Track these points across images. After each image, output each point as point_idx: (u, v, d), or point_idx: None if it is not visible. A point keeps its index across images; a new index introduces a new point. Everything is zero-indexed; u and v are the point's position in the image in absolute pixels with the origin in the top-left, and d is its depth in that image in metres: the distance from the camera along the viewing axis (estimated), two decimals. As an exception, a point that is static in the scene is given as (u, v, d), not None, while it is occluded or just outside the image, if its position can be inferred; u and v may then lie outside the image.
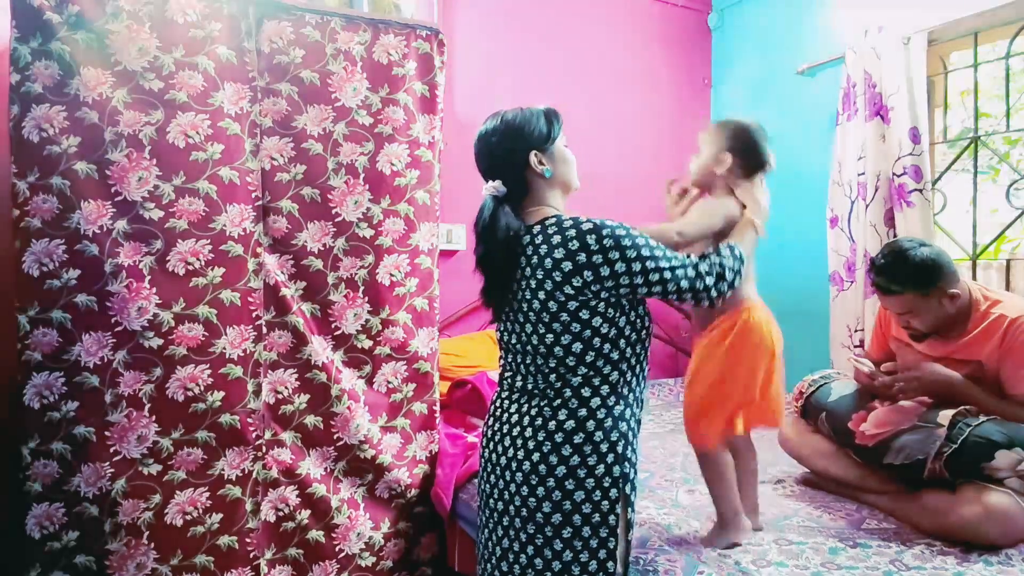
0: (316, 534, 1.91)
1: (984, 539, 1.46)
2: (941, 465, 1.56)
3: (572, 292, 1.24)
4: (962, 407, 1.63)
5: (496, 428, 1.35)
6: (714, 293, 1.31)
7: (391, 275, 2.00)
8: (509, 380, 1.38)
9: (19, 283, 1.62)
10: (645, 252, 1.25)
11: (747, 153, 1.52)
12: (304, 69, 1.88)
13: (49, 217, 1.63)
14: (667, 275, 1.26)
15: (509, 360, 1.39)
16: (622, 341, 1.29)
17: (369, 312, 1.98)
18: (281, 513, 1.89)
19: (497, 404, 1.39)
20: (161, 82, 1.71)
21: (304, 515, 1.90)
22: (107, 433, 1.69)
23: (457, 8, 2.84)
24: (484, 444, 1.39)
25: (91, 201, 1.66)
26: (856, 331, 2.56)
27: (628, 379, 1.31)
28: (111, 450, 1.69)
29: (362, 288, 1.97)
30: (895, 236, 2.42)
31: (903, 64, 2.41)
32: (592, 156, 3.17)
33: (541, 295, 1.26)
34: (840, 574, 1.38)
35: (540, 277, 1.26)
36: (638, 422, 1.35)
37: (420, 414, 2.08)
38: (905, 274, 1.67)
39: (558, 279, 1.24)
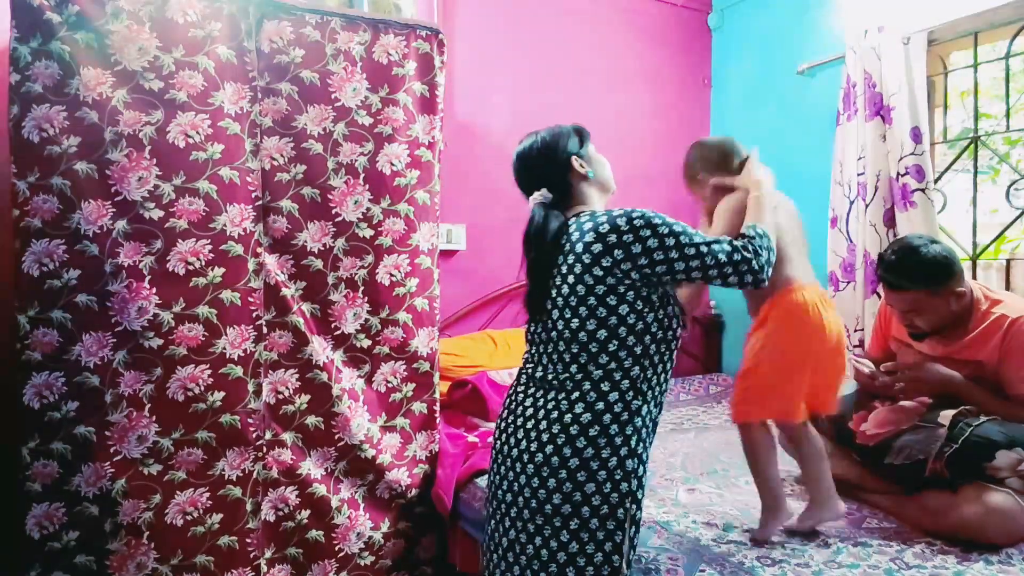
0: (315, 534, 1.91)
1: (984, 539, 1.46)
2: (942, 465, 1.56)
3: (601, 274, 1.26)
4: (963, 407, 1.63)
5: (510, 420, 1.37)
6: (755, 266, 1.31)
7: (391, 275, 1.99)
8: (529, 371, 1.40)
9: (19, 283, 1.62)
10: (677, 228, 1.28)
11: (718, 163, 1.61)
12: (304, 69, 1.88)
13: (49, 217, 1.63)
14: (703, 249, 1.28)
15: (532, 352, 1.42)
16: (647, 337, 1.30)
17: (369, 312, 1.98)
18: (281, 513, 1.89)
19: (512, 397, 1.41)
20: (161, 82, 1.71)
21: (304, 515, 1.90)
22: (107, 433, 1.69)
23: (457, 8, 2.84)
24: (496, 436, 1.40)
25: (91, 201, 1.65)
26: (856, 331, 2.56)
27: (649, 376, 1.32)
28: (111, 450, 1.69)
29: (362, 288, 1.97)
30: (895, 236, 2.42)
31: (903, 64, 2.41)
32: (592, 156, 3.18)
33: (571, 279, 1.29)
34: (841, 573, 1.38)
35: (571, 262, 1.30)
36: (654, 422, 1.35)
37: (420, 414, 2.08)
38: (917, 272, 1.66)
39: (587, 261, 1.27)
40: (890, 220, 2.47)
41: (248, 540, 1.84)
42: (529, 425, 1.31)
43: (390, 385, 2.03)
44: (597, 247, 1.26)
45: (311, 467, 1.91)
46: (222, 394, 1.79)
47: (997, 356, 1.67)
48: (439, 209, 2.10)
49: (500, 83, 2.93)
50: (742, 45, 3.39)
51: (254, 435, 1.84)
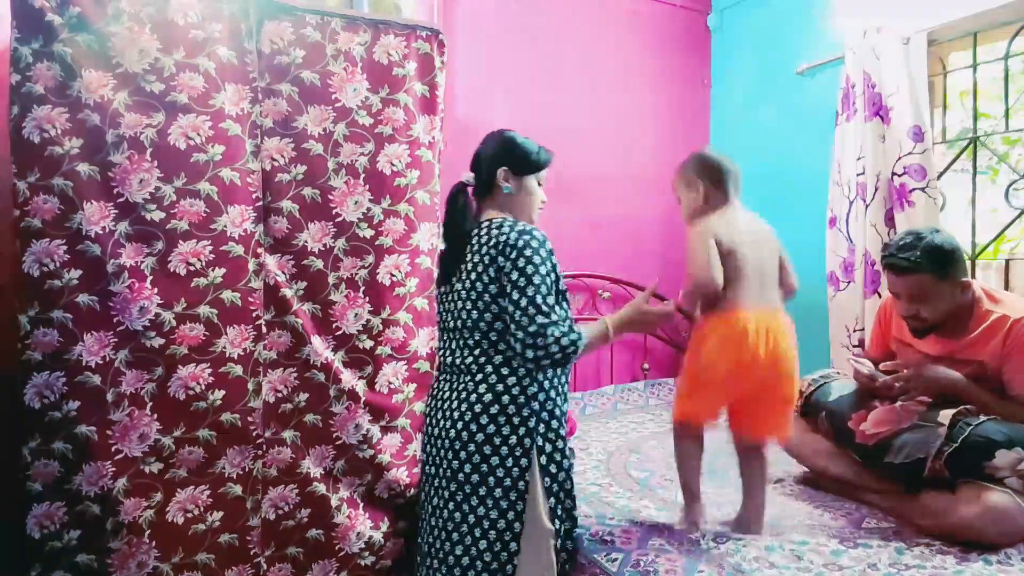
0: (315, 533, 1.92)
1: (984, 539, 1.47)
2: (941, 464, 1.56)
3: (493, 275, 1.46)
4: (962, 407, 1.64)
5: (432, 404, 1.58)
6: (530, 355, 1.39)
7: (391, 275, 2.00)
8: (442, 359, 1.61)
9: (19, 283, 1.63)
10: (536, 279, 1.41)
11: (714, 176, 1.68)
12: (304, 70, 1.88)
13: (50, 217, 1.63)
14: (531, 310, 1.38)
15: (443, 340, 1.62)
16: None
17: (370, 312, 1.99)
18: (281, 511, 1.89)
19: (434, 384, 1.62)
20: (162, 84, 1.71)
21: (304, 513, 1.90)
22: (108, 432, 1.69)
23: (457, 9, 2.84)
24: (424, 421, 1.61)
25: (93, 202, 1.66)
26: (855, 331, 2.57)
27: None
28: (112, 449, 1.69)
29: (362, 288, 1.97)
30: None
31: (902, 64, 2.42)
32: (592, 156, 3.18)
33: (472, 276, 1.49)
34: (840, 574, 1.38)
35: (475, 261, 1.49)
36: (562, 411, 1.53)
37: (420, 414, 2.08)
38: (923, 253, 1.65)
39: (486, 262, 1.47)
40: (891, 220, 2.47)
41: (248, 538, 1.84)
42: (445, 407, 1.52)
43: (392, 386, 2.03)
44: (488, 257, 1.46)
45: (310, 466, 1.92)
46: (222, 392, 1.79)
47: (999, 356, 1.67)
48: (439, 209, 2.10)
49: (500, 83, 2.94)
50: (742, 46, 3.40)
51: (254, 433, 1.85)
